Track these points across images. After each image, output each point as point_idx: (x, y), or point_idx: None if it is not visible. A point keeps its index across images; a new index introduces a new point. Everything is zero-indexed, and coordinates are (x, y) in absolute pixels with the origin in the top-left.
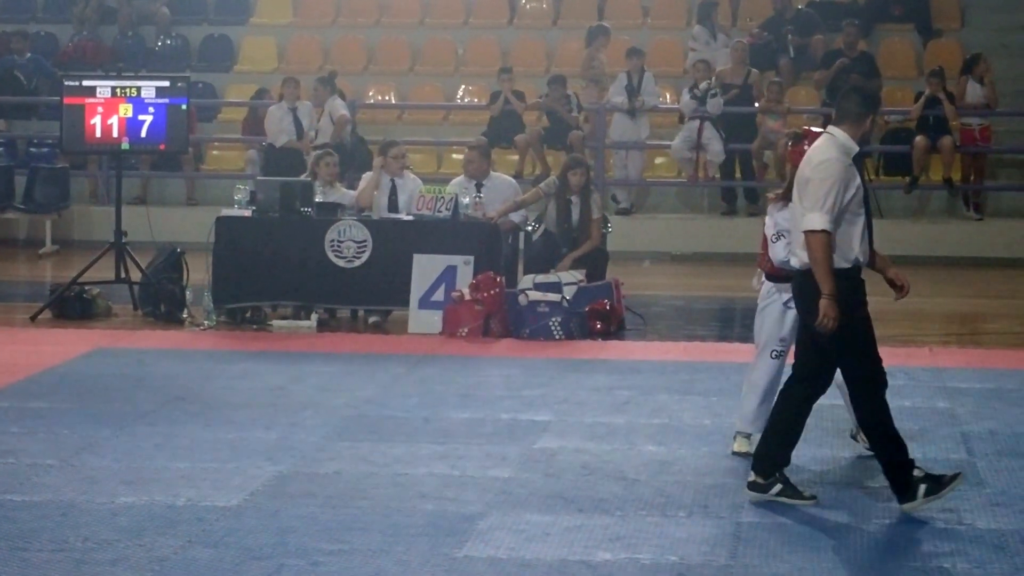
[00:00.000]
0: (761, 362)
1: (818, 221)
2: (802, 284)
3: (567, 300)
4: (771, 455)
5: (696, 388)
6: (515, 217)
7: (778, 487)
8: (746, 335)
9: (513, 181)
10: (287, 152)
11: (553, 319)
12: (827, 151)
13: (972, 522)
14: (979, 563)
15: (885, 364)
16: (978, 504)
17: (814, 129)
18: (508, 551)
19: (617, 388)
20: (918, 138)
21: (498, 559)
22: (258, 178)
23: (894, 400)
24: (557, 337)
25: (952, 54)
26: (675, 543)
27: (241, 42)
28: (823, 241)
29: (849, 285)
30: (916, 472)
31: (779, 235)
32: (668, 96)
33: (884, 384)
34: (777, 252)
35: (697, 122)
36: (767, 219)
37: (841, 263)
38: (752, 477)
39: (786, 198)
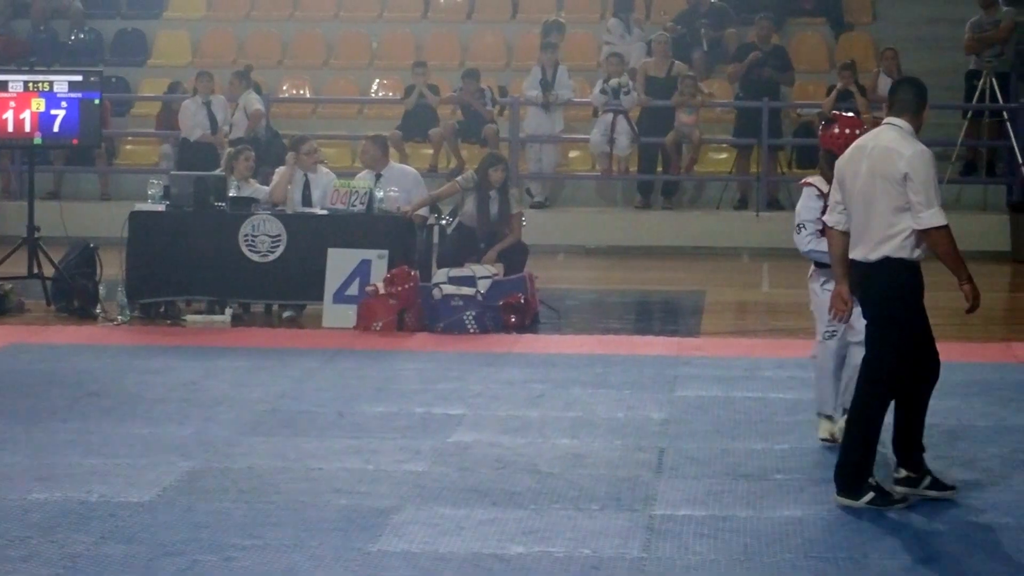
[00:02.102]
0: (819, 347)
1: (939, 216)
2: (868, 275)
3: (481, 294)
4: (914, 448)
5: (610, 381)
6: (421, 211)
7: (928, 480)
8: (660, 328)
9: (412, 170)
10: (201, 146)
11: (467, 313)
12: (913, 142)
13: (882, 513)
14: (889, 553)
15: (798, 355)
16: None
17: (845, 114)
18: (422, 545)
19: (531, 381)
20: None
21: (412, 553)
22: (172, 172)
23: (805, 391)
24: (471, 331)
25: (864, 47)
26: (588, 536)
27: (154, 36)
28: (948, 234)
29: (919, 280)
30: (871, 480)
31: (800, 226)
32: (582, 90)
33: (898, 391)
34: (799, 243)
35: (611, 115)
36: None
37: (919, 254)
38: (903, 473)
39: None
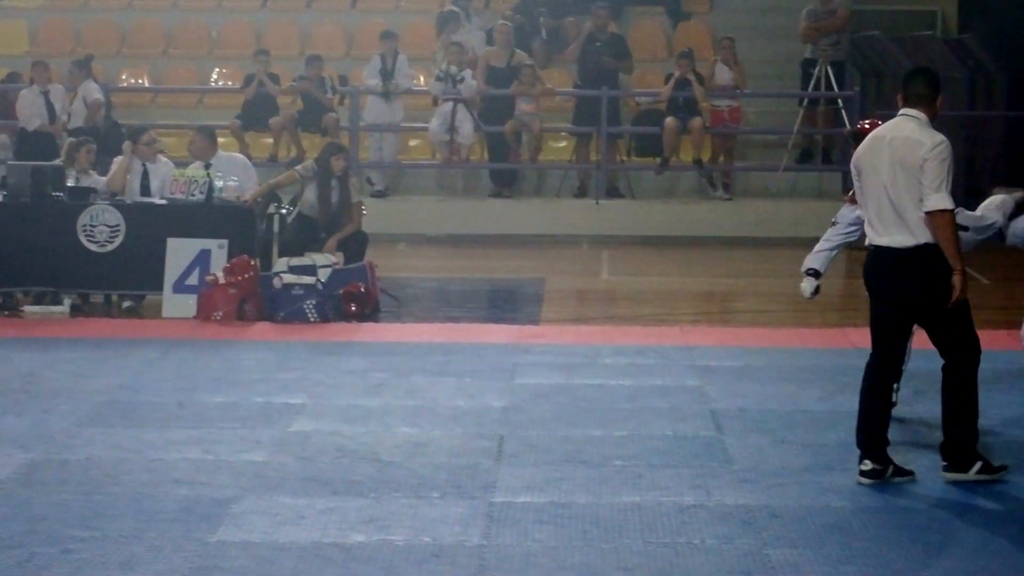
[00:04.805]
0: None
1: (947, 200)
2: (906, 260)
3: (321, 283)
4: (964, 443)
5: (450, 369)
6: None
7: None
8: (501, 316)
9: (241, 157)
10: (39, 136)
11: (308, 302)
12: (932, 133)
13: (720, 498)
14: (727, 538)
15: (636, 342)
16: (726, 481)
17: (867, 124)
18: (262, 535)
19: (371, 370)
20: (668, 119)
21: (252, 543)
22: (9, 163)
23: (644, 378)
24: (312, 320)
25: (701, 36)
26: (428, 524)
27: None
28: (952, 220)
29: (945, 261)
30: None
31: None
32: (422, 78)
33: (877, 385)
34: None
35: (451, 104)
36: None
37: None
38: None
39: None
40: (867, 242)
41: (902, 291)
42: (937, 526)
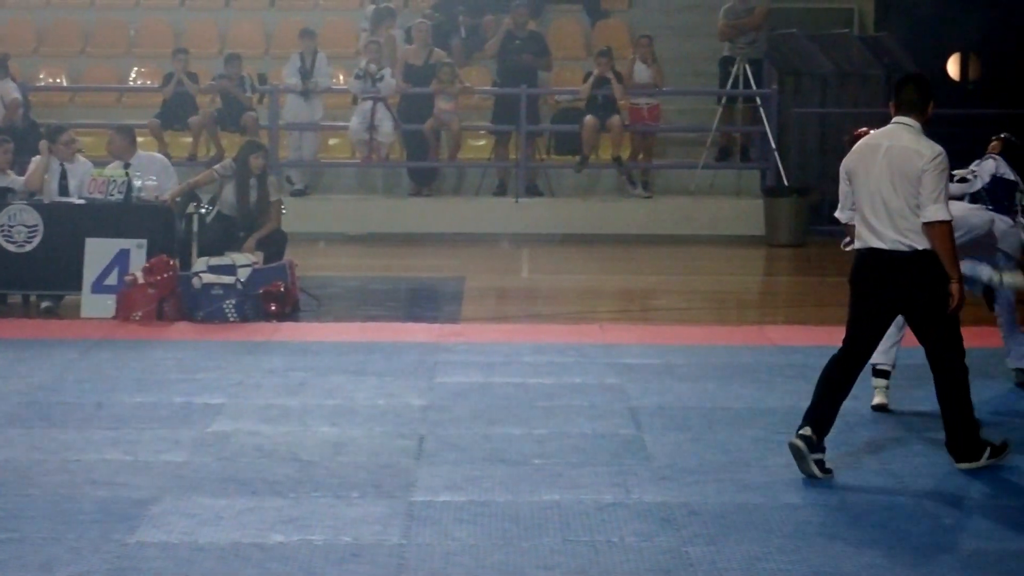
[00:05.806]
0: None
1: (945, 211)
2: (901, 264)
3: (241, 282)
4: (968, 434)
5: (370, 368)
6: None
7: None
8: (421, 315)
9: (160, 157)
10: None
11: (227, 302)
12: (931, 144)
13: (640, 496)
14: (646, 536)
15: (556, 341)
16: (645, 478)
17: (866, 131)
18: (181, 536)
19: (292, 370)
20: (587, 118)
21: (170, 544)
22: None
23: (564, 376)
24: (231, 319)
25: (620, 34)
26: (348, 523)
27: None
28: (950, 230)
29: (940, 267)
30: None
31: None
32: (341, 77)
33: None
34: None
35: (371, 103)
36: None
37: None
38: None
39: None
40: (856, 245)
41: (895, 294)
42: (855, 522)
